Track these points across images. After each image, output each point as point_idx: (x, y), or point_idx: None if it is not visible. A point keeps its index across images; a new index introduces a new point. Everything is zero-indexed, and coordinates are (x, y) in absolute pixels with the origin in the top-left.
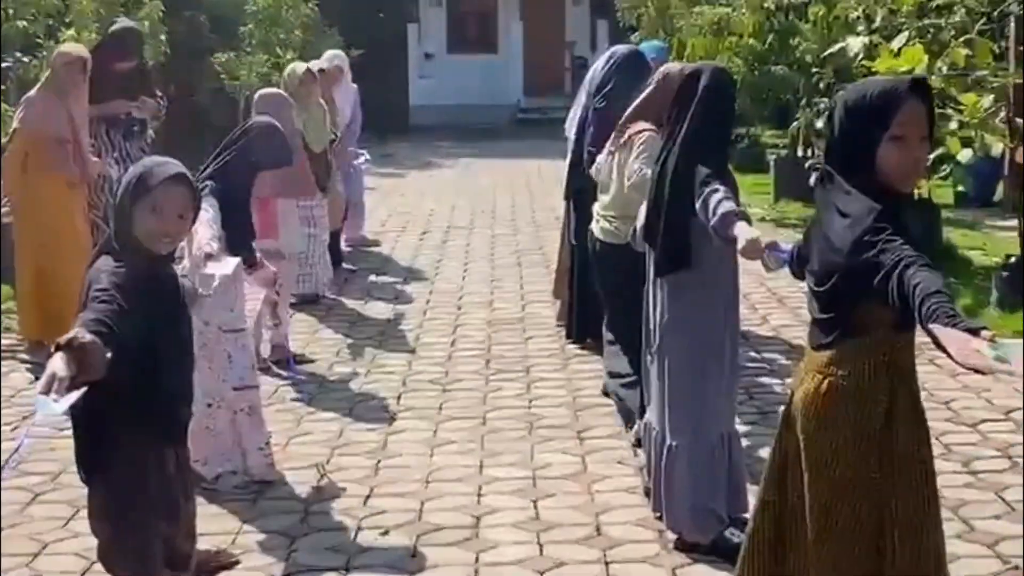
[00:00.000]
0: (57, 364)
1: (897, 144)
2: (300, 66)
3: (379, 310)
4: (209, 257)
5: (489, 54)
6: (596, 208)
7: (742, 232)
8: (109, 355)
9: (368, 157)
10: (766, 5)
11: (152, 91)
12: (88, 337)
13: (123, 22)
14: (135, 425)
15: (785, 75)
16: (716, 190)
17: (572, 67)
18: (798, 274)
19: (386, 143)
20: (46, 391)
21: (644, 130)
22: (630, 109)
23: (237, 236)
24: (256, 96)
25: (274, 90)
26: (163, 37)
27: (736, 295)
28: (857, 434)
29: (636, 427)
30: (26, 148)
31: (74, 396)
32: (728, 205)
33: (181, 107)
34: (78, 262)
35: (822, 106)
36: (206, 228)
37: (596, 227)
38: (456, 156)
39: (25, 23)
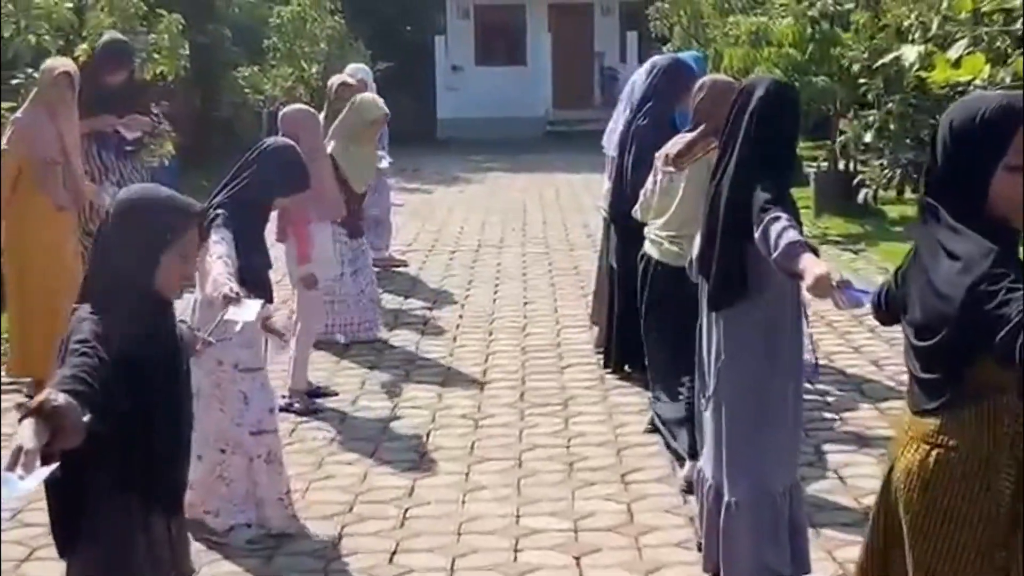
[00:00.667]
0: (25, 434)
1: (1015, 174)
2: (378, 106)
3: (406, 337)
4: (229, 300)
5: (517, 66)
6: (651, 231)
7: (809, 266)
8: (87, 418)
9: (391, 160)
10: (810, 13)
11: (147, 107)
12: (61, 399)
13: (112, 34)
14: (120, 492)
15: (826, 86)
16: (777, 218)
17: (602, 79)
18: (887, 320)
19: (413, 157)
20: (12, 466)
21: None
22: (690, 136)
23: (250, 270)
24: (281, 113)
25: (300, 106)
26: (183, 51)
27: (800, 332)
28: (975, 517)
29: (687, 470)
30: (18, 167)
31: (45, 472)
32: (792, 235)
33: (203, 121)
34: (66, 295)
35: (871, 118)
36: (222, 264)
37: (654, 250)
38: (485, 170)
39: (37, 38)
